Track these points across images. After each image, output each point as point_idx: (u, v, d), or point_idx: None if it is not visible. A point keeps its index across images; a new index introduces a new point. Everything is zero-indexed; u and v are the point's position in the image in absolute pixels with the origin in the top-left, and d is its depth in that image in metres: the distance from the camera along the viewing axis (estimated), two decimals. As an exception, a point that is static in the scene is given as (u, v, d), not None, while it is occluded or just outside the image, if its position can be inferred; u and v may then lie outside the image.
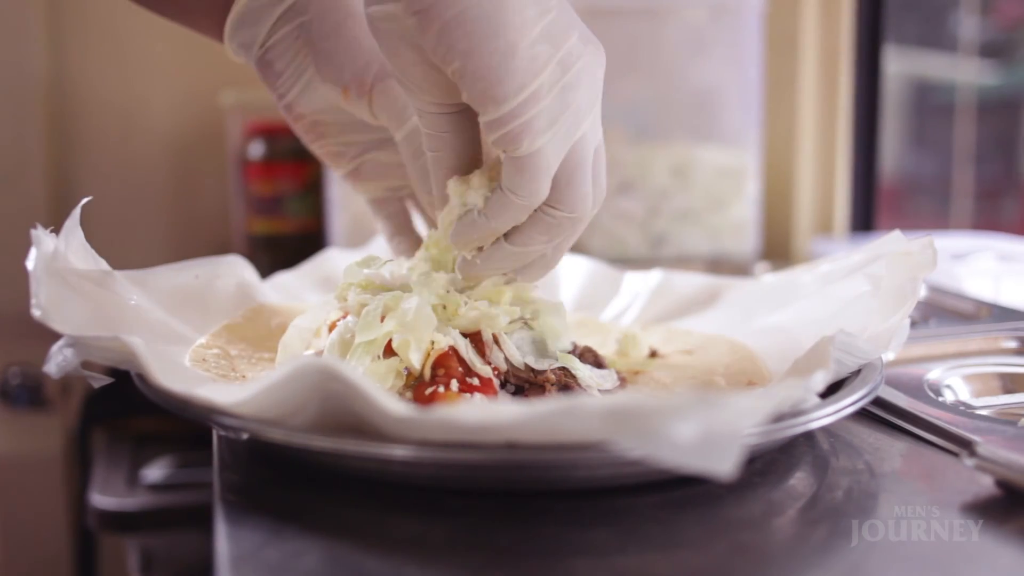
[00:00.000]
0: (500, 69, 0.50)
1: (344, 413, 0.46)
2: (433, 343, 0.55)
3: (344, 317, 0.60)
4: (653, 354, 0.71)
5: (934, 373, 0.70)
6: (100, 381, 0.56)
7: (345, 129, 0.67)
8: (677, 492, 0.49)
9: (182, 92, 1.45)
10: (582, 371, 0.61)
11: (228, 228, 1.44)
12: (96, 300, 0.58)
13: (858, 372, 0.57)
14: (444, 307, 0.58)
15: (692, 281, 0.81)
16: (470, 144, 0.57)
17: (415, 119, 0.61)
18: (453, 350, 0.56)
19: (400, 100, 0.63)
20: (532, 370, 0.58)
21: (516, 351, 0.58)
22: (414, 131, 0.63)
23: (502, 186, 0.54)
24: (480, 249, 0.58)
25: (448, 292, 0.59)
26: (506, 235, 0.57)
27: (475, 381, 0.55)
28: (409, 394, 0.55)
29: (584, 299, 0.85)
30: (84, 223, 0.59)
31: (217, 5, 0.64)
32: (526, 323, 0.60)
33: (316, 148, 0.69)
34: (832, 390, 0.55)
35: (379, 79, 0.63)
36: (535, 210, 0.55)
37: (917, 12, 2.40)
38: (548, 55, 0.51)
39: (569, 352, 0.62)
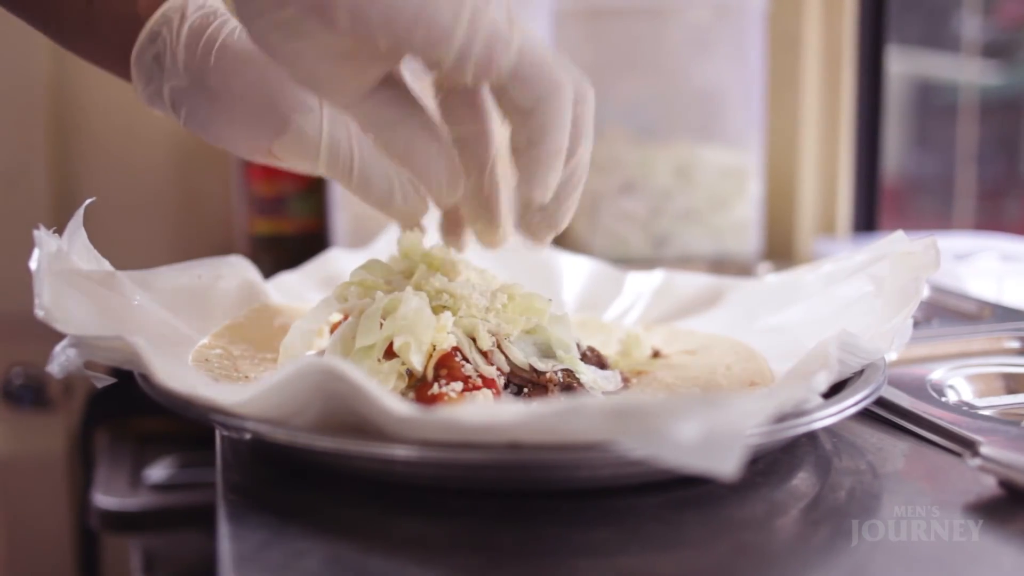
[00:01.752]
0: (427, 8, 0.46)
1: (347, 413, 0.46)
2: (435, 345, 0.55)
3: (345, 319, 0.60)
4: (656, 354, 0.71)
5: (937, 373, 0.70)
6: (103, 381, 0.56)
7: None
8: (680, 492, 0.49)
9: (185, 92, 1.44)
10: (585, 372, 0.61)
11: (230, 228, 1.44)
12: (99, 300, 0.58)
13: (861, 372, 0.57)
14: (445, 307, 0.58)
15: (695, 281, 0.81)
16: (410, 109, 0.53)
17: (323, 149, 0.62)
18: (456, 350, 0.56)
19: (300, 145, 0.62)
20: (535, 371, 0.58)
21: (520, 352, 0.58)
22: (329, 162, 0.63)
23: (457, 134, 0.53)
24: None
25: (444, 293, 0.59)
26: (525, 186, 0.54)
27: (478, 381, 0.55)
28: (412, 395, 0.55)
29: (587, 299, 0.85)
30: (87, 224, 0.59)
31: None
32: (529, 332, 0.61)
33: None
34: (835, 390, 0.55)
35: (273, 140, 0.62)
36: (521, 148, 0.52)
37: (920, 12, 2.39)
38: None
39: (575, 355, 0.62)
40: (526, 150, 0.53)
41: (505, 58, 0.49)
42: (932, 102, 2.62)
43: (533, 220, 0.56)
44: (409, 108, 0.53)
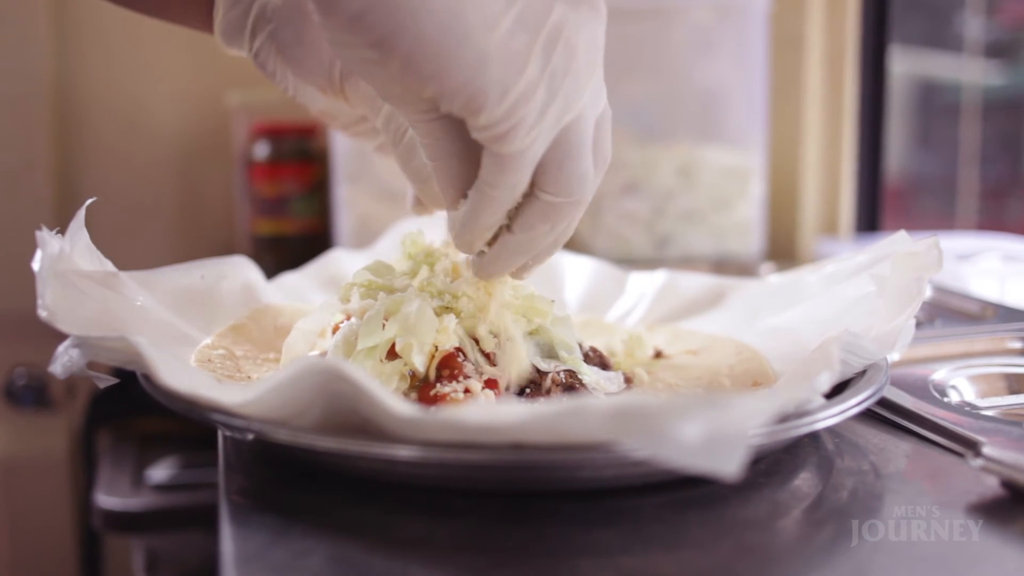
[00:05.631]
0: (476, 81, 0.46)
1: (349, 414, 0.46)
2: (437, 346, 0.55)
3: (348, 319, 0.60)
4: (658, 355, 0.71)
5: (939, 374, 0.70)
6: (105, 382, 0.56)
7: (354, 115, 0.67)
8: (682, 493, 0.49)
9: (187, 93, 1.45)
10: (588, 373, 0.61)
11: (233, 229, 1.44)
12: (102, 301, 0.58)
13: (863, 373, 0.57)
14: (448, 308, 0.58)
15: (697, 282, 0.81)
16: (469, 145, 0.51)
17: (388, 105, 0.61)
18: (459, 351, 0.56)
19: (370, 91, 0.61)
20: (538, 371, 0.58)
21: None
22: (390, 116, 0.62)
23: (480, 178, 0.51)
24: (490, 245, 0.55)
25: (445, 294, 0.59)
26: (509, 225, 0.53)
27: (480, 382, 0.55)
28: (414, 395, 0.55)
29: (589, 299, 0.85)
30: (90, 224, 0.59)
31: (202, 9, 0.64)
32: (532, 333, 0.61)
33: (339, 131, 0.70)
34: (837, 391, 0.55)
35: (346, 75, 0.62)
36: (532, 195, 0.52)
37: (922, 12, 2.39)
38: (527, 44, 0.47)
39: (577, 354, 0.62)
40: (519, 231, 0.53)
41: (518, 145, 0.48)
42: (935, 102, 2.62)
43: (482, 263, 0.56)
44: (464, 139, 0.51)
